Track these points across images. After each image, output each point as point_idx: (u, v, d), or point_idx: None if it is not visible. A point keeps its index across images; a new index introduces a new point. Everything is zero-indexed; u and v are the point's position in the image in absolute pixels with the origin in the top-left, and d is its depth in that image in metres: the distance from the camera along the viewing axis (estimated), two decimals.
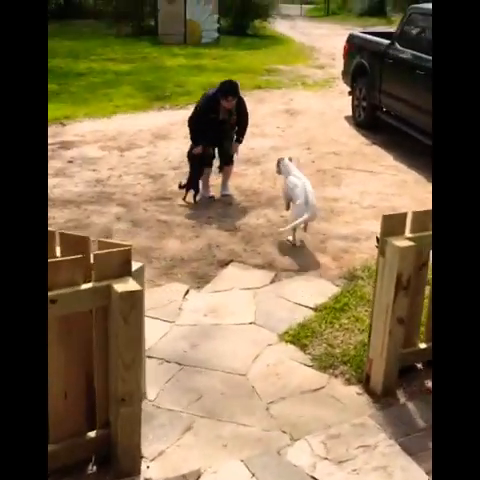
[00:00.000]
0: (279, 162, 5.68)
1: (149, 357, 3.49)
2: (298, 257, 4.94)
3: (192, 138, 6.17)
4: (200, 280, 4.56)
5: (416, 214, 3.06)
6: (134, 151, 7.91)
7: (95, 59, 15.16)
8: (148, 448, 2.79)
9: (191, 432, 2.89)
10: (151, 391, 3.19)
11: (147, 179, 6.89)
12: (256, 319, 3.94)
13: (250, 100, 11.04)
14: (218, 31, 18.27)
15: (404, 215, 3.00)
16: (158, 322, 3.88)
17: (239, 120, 6.12)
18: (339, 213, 5.94)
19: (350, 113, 9.62)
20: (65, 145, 8.09)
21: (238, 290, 4.35)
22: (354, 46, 9.44)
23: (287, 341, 3.69)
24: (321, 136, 8.71)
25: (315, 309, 4.07)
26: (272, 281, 4.52)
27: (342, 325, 3.84)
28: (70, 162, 7.44)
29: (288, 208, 5.44)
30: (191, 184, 6.11)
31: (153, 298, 4.24)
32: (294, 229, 5.08)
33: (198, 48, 16.86)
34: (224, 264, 4.82)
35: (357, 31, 10.37)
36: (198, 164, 6.10)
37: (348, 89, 9.74)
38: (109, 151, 7.89)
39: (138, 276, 2.49)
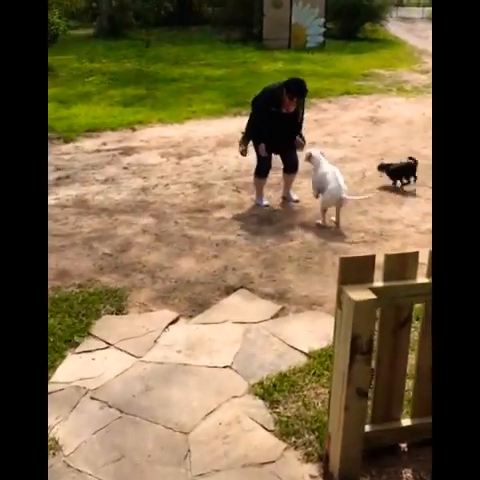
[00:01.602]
0: (310, 156, 5.59)
1: (92, 398, 3.07)
2: (318, 287, 4.27)
3: (252, 137, 5.89)
4: (196, 308, 4.05)
5: (390, 257, 2.33)
6: (192, 159, 7.56)
7: (193, 64, 15.13)
8: None
9: None
10: (73, 442, 2.74)
11: (193, 189, 6.49)
12: (234, 362, 3.35)
13: (334, 107, 10.39)
14: (324, 35, 17.57)
15: (371, 258, 2.29)
16: (124, 356, 3.43)
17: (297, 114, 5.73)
18: (388, 237, 5.15)
19: None
20: (126, 151, 7.92)
21: (230, 324, 3.78)
22: None
23: (257, 394, 3.07)
24: (401, 147, 7.83)
25: (308, 355, 3.41)
26: (275, 316, 3.90)
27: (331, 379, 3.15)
28: (125, 168, 7.25)
29: (317, 196, 5.53)
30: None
31: (134, 326, 3.81)
32: (324, 211, 5.32)
33: (301, 53, 16.31)
34: (231, 291, 4.28)
35: None
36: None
37: None
38: (167, 158, 7.61)
39: None
